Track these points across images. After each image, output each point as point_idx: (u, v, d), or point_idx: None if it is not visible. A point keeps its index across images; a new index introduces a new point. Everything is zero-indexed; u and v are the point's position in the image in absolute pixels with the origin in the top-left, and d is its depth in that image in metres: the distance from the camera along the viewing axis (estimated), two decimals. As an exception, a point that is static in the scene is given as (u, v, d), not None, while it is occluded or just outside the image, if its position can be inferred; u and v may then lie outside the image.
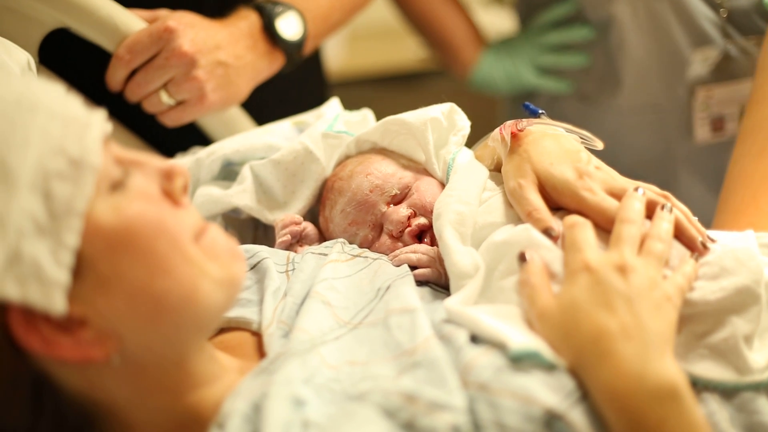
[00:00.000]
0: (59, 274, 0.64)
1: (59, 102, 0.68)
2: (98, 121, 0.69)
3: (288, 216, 1.03)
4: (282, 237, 1.01)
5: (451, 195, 0.91)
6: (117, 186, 0.69)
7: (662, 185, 0.89)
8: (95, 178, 0.67)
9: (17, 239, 0.63)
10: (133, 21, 1.10)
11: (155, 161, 0.73)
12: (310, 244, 1.02)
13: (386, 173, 1.00)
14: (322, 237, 1.04)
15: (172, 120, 1.14)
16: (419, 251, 0.93)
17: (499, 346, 0.73)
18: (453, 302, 0.80)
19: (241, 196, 1.04)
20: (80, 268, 0.66)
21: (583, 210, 0.85)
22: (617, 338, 0.71)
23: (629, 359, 0.70)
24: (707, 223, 0.91)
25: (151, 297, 0.68)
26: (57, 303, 0.64)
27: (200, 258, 0.70)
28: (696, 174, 1.58)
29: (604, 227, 0.83)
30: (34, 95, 0.68)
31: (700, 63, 1.50)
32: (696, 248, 0.83)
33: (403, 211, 0.97)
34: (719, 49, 1.48)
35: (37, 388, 0.69)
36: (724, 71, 1.51)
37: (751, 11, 1.46)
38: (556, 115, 0.98)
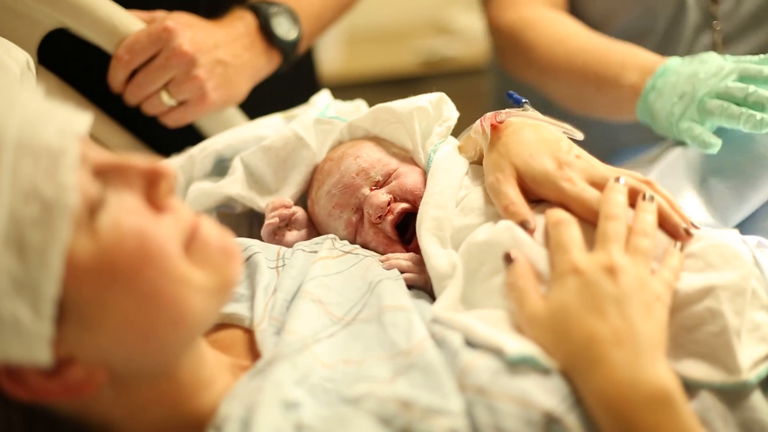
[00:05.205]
0: (41, 327, 0.61)
1: (28, 128, 0.62)
2: (72, 141, 0.63)
3: (278, 199, 1.03)
4: (270, 219, 1.00)
5: (428, 202, 0.91)
6: (96, 209, 0.64)
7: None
8: (72, 219, 0.62)
9: None
10: (132, 21, 1.10)
11: (138, 163, 0.67)
12: (298, 230, 1.02)
13: (374, 158, 1.00)
14: (311, 223, 1.04)
15: (174, 121, 1.14)
16: (410, 260, 0.92)
17: (495, 352, 0.73)
18: (441, 309, 0.80)
19: (233, 185, 1.04)
20: (64, 312, 0.62)
21: (564, 201, 0.84)
22: (608, 344, 0.71)
23: (621, 366, 0.70)
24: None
25: (141, 326, 0.66)
26: (41, 355, 0.62)
27: (190, 272, 0.67)
28: None
29: (586, 218, 0.82)
30: None
31: None
32: (680, 236, 0.82)
33: (383, 196, 0.96)
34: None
35: (29, 416, 0.68)
36: None
37: None
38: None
